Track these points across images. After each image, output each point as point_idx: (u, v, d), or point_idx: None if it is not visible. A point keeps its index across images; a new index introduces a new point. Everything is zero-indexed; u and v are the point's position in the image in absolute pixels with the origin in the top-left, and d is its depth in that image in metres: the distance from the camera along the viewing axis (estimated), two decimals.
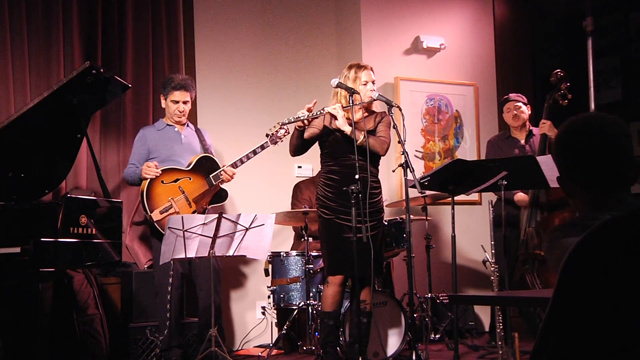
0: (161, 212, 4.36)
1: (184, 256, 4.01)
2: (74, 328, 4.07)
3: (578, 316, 1.24)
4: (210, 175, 4.52)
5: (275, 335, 4.74)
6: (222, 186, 4.61)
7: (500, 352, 4.06)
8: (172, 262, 4.15)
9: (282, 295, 4.66)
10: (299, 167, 5.64)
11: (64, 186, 4.63)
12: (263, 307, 5.09)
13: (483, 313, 5.60)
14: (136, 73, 5.05)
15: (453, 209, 4.18)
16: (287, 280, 4.67)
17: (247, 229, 4.08)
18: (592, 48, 5.20)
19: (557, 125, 4.54)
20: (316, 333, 4.39)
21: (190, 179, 4.50)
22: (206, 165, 4.55)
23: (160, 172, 4.41)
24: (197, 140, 4.69)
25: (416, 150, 5.85)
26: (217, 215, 4.02)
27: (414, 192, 4.11)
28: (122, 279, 4.61)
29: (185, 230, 3.93)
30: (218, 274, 4.49)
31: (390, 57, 5.83)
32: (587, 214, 1.62)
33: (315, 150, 4.21)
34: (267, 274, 4.78)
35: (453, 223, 4.15)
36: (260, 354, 4.74)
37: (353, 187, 3.78)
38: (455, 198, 4.20)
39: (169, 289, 4.26)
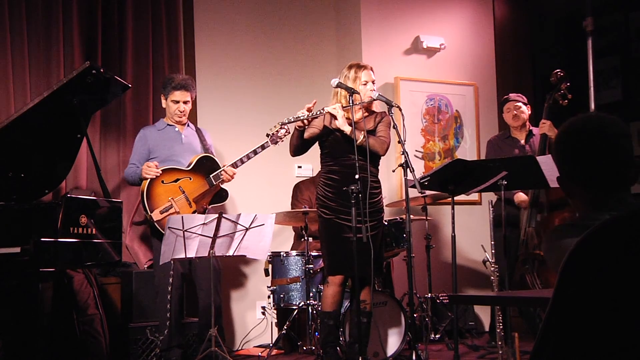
0: (161, 212, 4.36)
1: (184, 256, 4.01)
2: (74, 328, 4.07)
3: (578, 316, 1.24)
4: (211, 175, 4.52)
5: (275, 335, 4.74)
6: (223, 186, 4.61)
7: (500, 352, 4.06)
8: (172, 262, 4.15)
9: (282, 295, 4.66)
10: (299, 167, 5.64)
11: (64, 186, 4.63)
12: (263, 307, 5.09)
13: (483, 313, 5.60)
14: (136, 73, 5.05)
15: (453, 209, 4.18)
16: (287, 280, 4.67)
17: (247, 229, 4.08)
18: (592, 48, 5.20)
19: (557, 125, 4.54)
20: (316, 333, 4.39)
21: (190, 178, 4.50)
22: (206, 165, 4.55)
23: (161, 172, 4.42)
24: (197, 140, 4.69)
25: (416, 150, 5.85)
26: (217, 215, 4.02)
27: (414, 192, 4.11)
28: (122, 279, 4.61)
29: (185, 230, 3.93)
30: (218, 274, 4.49)
31: (390, 57, 5.83)
32: (587, 214, 1.62)
33: (315, 150, 4.21)
34: (267, 274, 4.78)
35: (453, 223, 4.15)
36: (260, 354, 4.74)
37: (353, 187, 3.78)
38: (455, 198, 4.20)
39: (169, 288, 4.26)
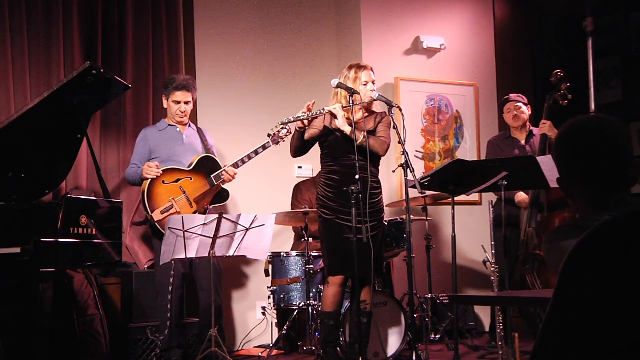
0: (162, 212, 4.36)
1: (184, 256, 4.01)
2: (74, 328, 4.07)
3: (578, 316, 1.24)
4: (212, 175, 4.52)
5: (275, 335, 4.74)
6: (223, 186, 4.61)
7: (500, 352, 4.06)
8: (173, 262, 4.15)
9: (282, 295, 4.66)
10: (299, 167, 5.64)
11: (64, 186, 4.62)
12: (263, 307, 5.09)
13: (483, 313, 5.60)
14: (136, 73, 5.05)
15: (453, 209, 4.18)
16: (287, 281, 4.67)
17: (247, 229, 4.08)
18: (592, 48, 5.20)
19: (557, 125, 4.54)
20: (316, 333, 4.39)
21: (191, 178, 4.50)
22: (207, 165, 4.55)
23: (161, 172, 4.42)
24: (198, 140, 4.69)
25: (416, 150, 5.85)
26: (217, 216, 4.02)
27: (414, 192, 4.11)
28: (122, 279, 4.61)
29: (185, 231, 3.93)
30: (219, 274, 4.49)
31: (390, 57, 5.83)
32: (587, 215, 1.62)
33: (315, 150, 4.21)
34: (267, 274, 4.78)
35: (453, 223, 4.15)
36: (260, 354, 4.74)
37: (353, 187, 3.78)
38: (455, 198, 4.20)
39: (170, 288, 4.27)
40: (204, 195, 4.52)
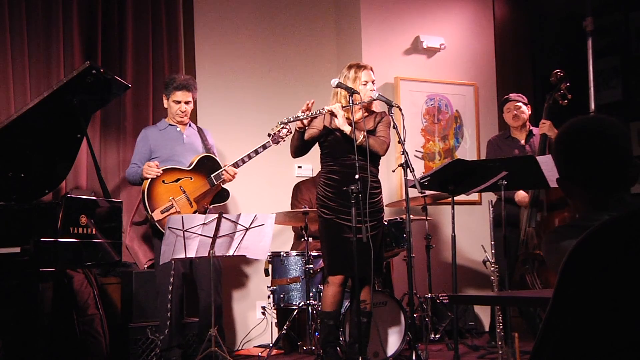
0: (162, 212, 4.36)
1: (184, 256, 4.01)
2: (74, 328, 4.07)
3: (578, 316, 1.24)
4: (212, 175, 4.52)
5: (275, 335, 4.75)
6: (224, 186, 4.61)
7: (500, 352, 4.06)
8: (173, 262, 4.15)
9: (282, 295, 4.66)
10: (299, 167, 5.64)
11: (64, 186, 4.62)
12: (263, 307, 5.09)
13: (483, 313, 5.60)
14: (136, 73, 5.05)
15: (453, 209, 4.18)
16: (287, 280, 4.67)
17: (247, 229, 4.08)
18: (592, 48, 5.20)
19: (557, 125, 4.54)
20: (316, 333, 4.39)
21: (191, 178, 4.50)
22: (208, 165, 4.55)
23: (161, 171, 4.42)
24: (199, 140, 4.69)
25: (416, 150, 5.85)
26: (217, 215, 4.02)
27: (414, 192, 4.11)
28: (122, 279, 4.61)
29: (185, 230, 3.93)
30: (219, 274, 4.49)
31: (390, 57, 5.83)
32: (587, 215, 1.62)
33: (315, 150, 4.21)
34: (267, 274, 4.78)
35: (453, 223, 4.15)
36: (260, 354, 4.74)
37: (353, 187, 3.78)
38: (455, 198, 4.20)
39: (170, 288, 4.27)
40: (204, 195, 4.52)
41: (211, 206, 4.53)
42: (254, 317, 5.34)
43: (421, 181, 4.01)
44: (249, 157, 4.56)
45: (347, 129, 3.94)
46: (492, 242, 4.36)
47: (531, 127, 5.02)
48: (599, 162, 1.60)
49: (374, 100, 4.08)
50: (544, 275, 4.43)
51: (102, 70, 3.83)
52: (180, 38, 5.26)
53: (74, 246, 3.50)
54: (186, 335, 4.56)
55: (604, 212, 1.53)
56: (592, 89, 5.20)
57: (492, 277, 4.21)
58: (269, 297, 4.75)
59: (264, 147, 4.56)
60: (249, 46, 5.64)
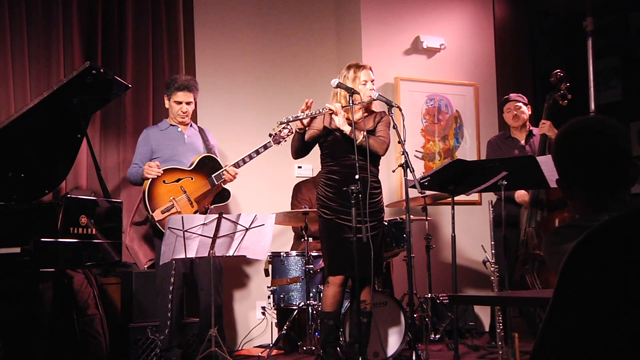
0: (163, 212, 4.36)
1: (184, 256, 4.01)
2: (74, 328, 4.07)
3: (578, 316, 1.24)
4: (212, 175, 4.52)
5: (276, 335, 4.75)
6: (224, 186, 4.61)
7: (500, 352, 4.06)
8: (173, 262, 4.15)
9: (282, 296, 4.66)
10: (299, 167, 5.64)
11: (64, 186, 4.63)
12: (263, 307, 5.09)
13: (483, 313, 5.60)
14: (136, 73, 5.06)
15: (453, 209, 4.18)
16: (287, 281, 4.67)
17: (247, 229, 4.08)
18: (592, 48, 5.20)
19: (557, 125, 4.54)
20: (316, 333, 4.39)
21: (192, 178, 4.50)
22: (208, 165, 4.56)
23: (162, 171, 4.42)
24: (200, 141, 4.70)
25: (416, 151, 5.85)
26: (217, 216, 4.02)
27: (414, 192, 4.11)
28: (122, 279, 4.61)
29: (185, 231, 3.93)
30: (220, 274, 4.49)
31: (390, 57, 5.83)
32: (587, 215, 1.62)
33: (315, 150, 4.21)
34: (267, 274, 4.78)
35: (453, 223, 4.15)
36: (260, 354, 4.74)
37: (353, 187, 3.78)
38: (455, 198, 4.20)
39: (171, 288, 4.27)
40: (205, 195, 4.52)
41: (212, 206, 4.53)
42: (254, 317, 5.34)
43: (421, 181, 4.01)
44: (250, 157, 4.56)
45: (347, 129, 3.94)
46: (492, 242, 4.36)
47: (531, 127, 5.02)
48: (598, 162, 1.60)
49: (374, 100, 4.08)
50: (544, 275, 4.43)
51: (102, 70, 3.83)
52: (180, 38, 5.26)
53: (74, 246, 3.50)
54: (186, 335, 4.56)
55: (604, 213, 1.54)
56: (592, 89, 5.20)
57: (492, 277, 4.21)
58: (269, 297, 4.75)
59: (265, 147, 4.56)
60: (249, 46, 5.64)
